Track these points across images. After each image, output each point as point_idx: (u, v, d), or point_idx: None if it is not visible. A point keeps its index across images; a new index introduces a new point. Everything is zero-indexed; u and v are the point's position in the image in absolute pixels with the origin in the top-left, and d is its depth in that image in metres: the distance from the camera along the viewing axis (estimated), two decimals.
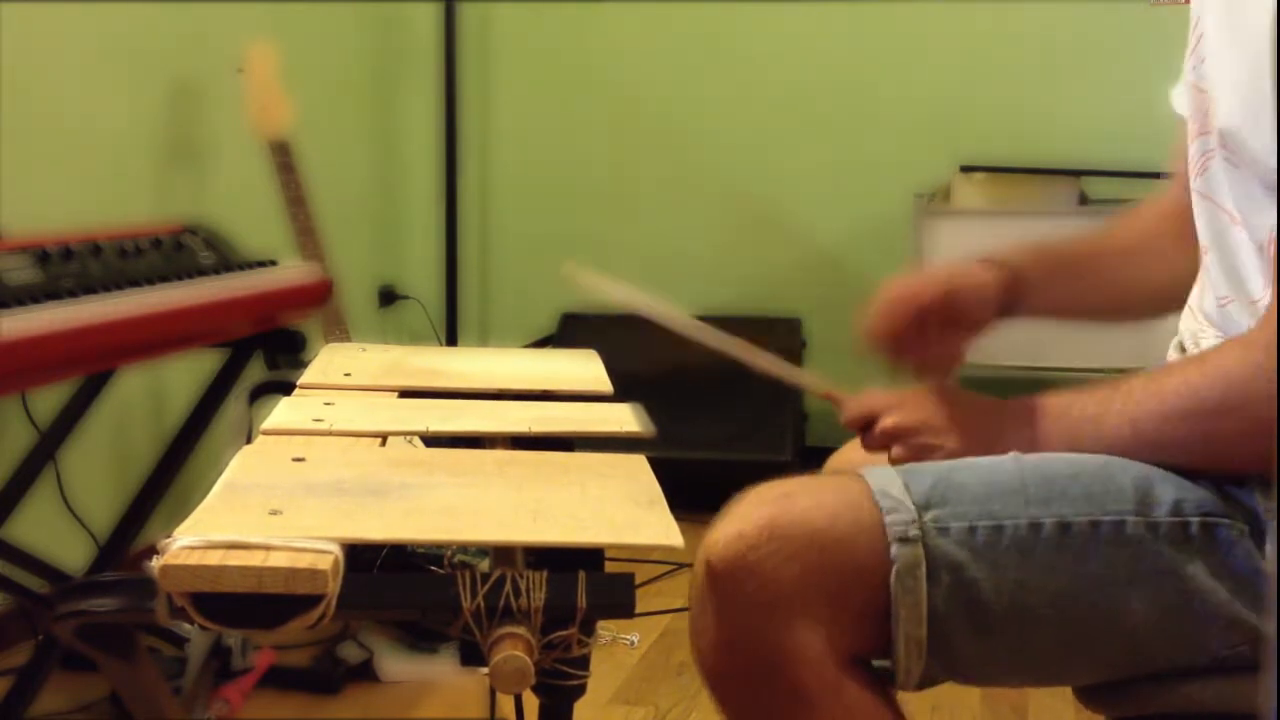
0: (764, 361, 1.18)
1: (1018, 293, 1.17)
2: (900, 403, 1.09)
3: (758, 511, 0.94)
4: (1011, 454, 1.01)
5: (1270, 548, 0.95)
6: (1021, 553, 0.94)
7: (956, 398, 1.10)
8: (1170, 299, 1.20)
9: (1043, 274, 1.19)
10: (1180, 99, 1.18)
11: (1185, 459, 0.98)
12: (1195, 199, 1.09)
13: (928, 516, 0.94)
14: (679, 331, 1.20)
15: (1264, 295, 1.01)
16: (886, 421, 1.09)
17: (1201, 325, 1.09)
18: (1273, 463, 0.93)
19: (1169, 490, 0.96)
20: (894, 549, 0.93)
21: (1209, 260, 1.07)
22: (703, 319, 1.16)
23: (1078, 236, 1.27)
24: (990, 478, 0.97)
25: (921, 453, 1.06)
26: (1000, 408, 1.08)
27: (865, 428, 1.11)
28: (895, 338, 1.15)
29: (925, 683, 0.97)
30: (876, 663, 0.97)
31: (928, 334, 1.15)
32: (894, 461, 1.08)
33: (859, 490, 0.96)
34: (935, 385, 1.12)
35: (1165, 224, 1.23)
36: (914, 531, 0.93)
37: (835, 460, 1.29)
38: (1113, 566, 0.94)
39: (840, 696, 0.94)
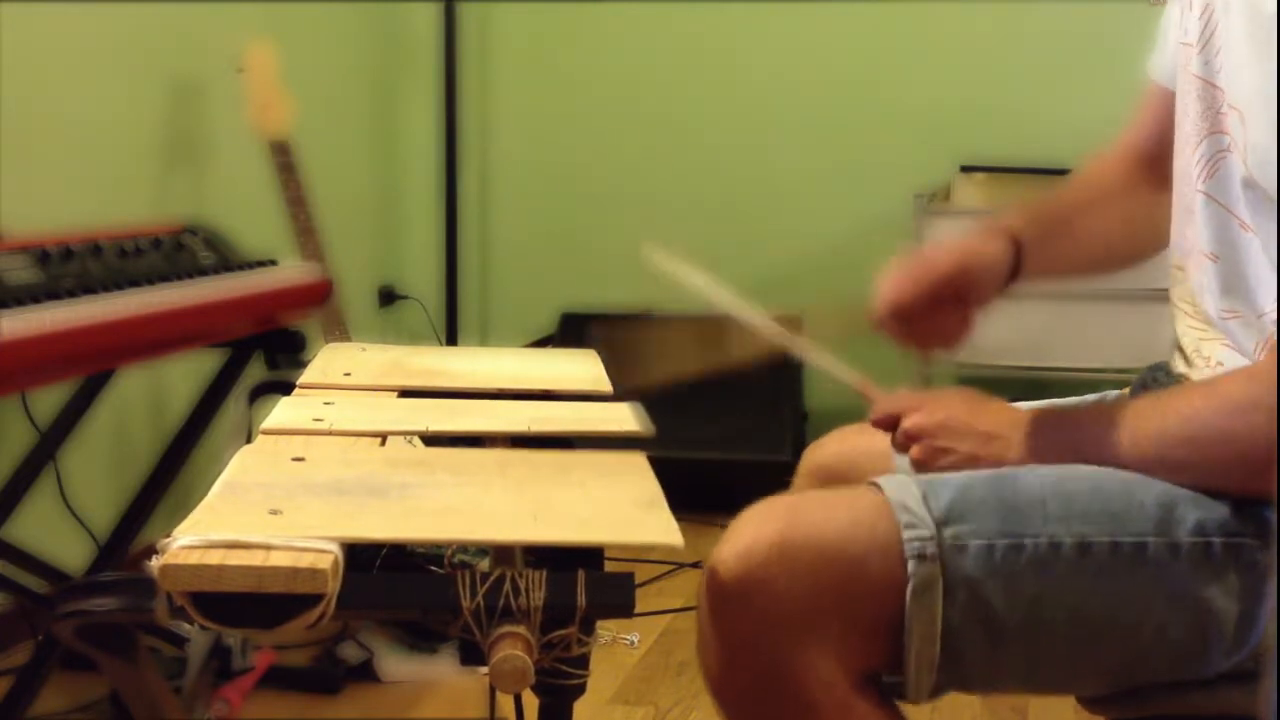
0: (814, 356, 1.19)
1: (1020, 260, 1.16)
2: (923, 404, 1.09)
3: (767, 527, 0.93)
4: (1031, 466, 1.00)
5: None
6: (1039, 572, 0.93)
7: (979, 403, 1.09)
8: (1139, 248, 1.22)
9: (1035, 236, 1.17)
10: (1163, 68, 1.19)
11: (1183, 480, 0.96)
12: (1199, 200, 1.06)
13: (947, 533, 0.93)
14: (743, 323, 1.22)
15: (1271, 310, 0.99)
16: (908, 422, 1.08)
17: (1204, 331, 1.07)
18: (1271, 489, 0.92)
19: (1192, 509, 0.95)
20: (911, 566, 0.92)
21: (1213, 268, 1.05)
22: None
23: (1059, 192, 1.26)
24: (1010, 492, 0.96)
25: (937, 455, 1.06)
26: (1017, 417, 1.07)
27: (891, 427, 1.11)
28: (905, 314, 1.14)
29: (933, 695, 0.96)
30: (885, 677, 0.97)
31: (938, 309, 1.14)
32: (913, 460, 1.08)
33: (873, 502, 0.95)
34: (962, 390, 1.12)
35: (1131, 170, 1.24)
36: (932, 549, 0.92)
37: (812, 453, 1.29)
38: (1131, 587, 0.93)
39: (852, 716, 0.94)
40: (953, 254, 1.14)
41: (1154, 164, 1.19)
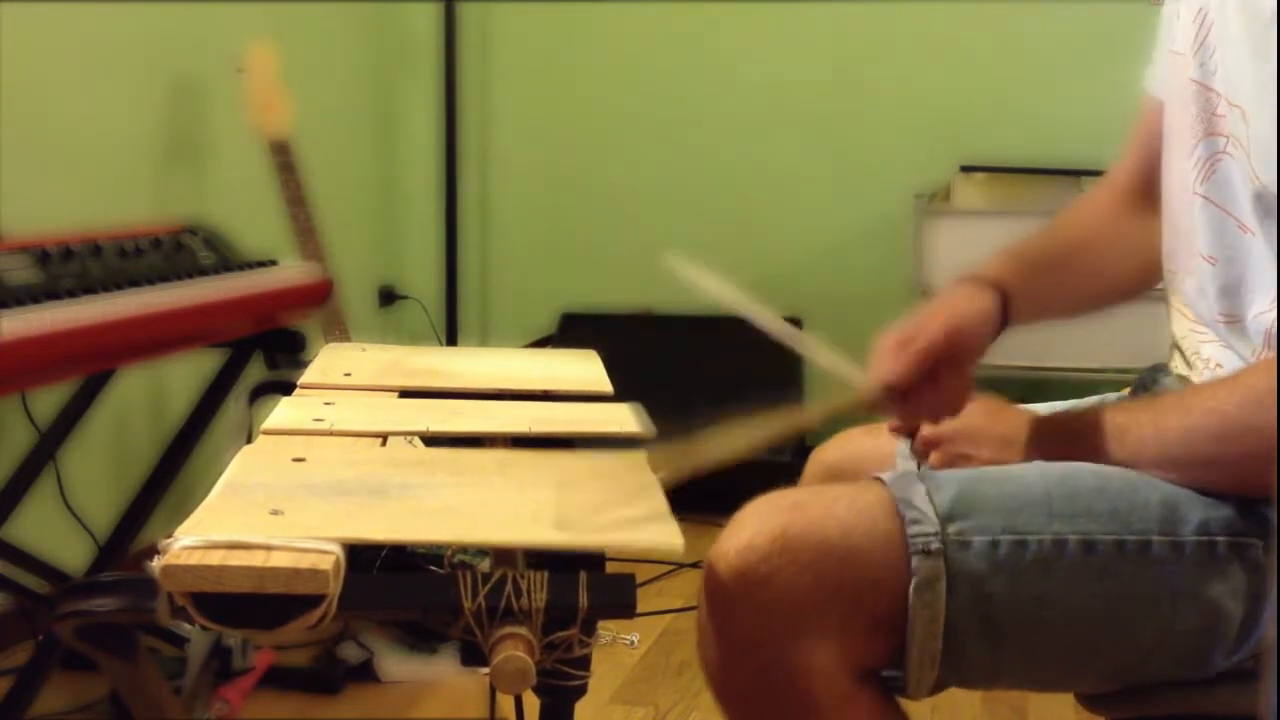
0: (832, 362, 1.15)
1: (1007, 308, 1.14)
2: None
3: (769, 522, 0.93)
4: (1036, 464, 1.00)
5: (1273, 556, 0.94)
6: (1044, 569, 0.93)
7: (996, 409, 1.10)
8: (1143, 279, 1.20)
9: (1022, 283, 1.15)
10: (1157, 79, 1.18)
11: (1208, 478, 0.96)
12: (1197, 203, 1.06)
13: (951, 529, 0.93)
14: (766, 329, 1.19)
15: (1266, 309, 0.99)
16: (927, 429, 1.10)
17: (1202, 334, 1.07)
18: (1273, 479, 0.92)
19: (1196, 508, 0.95)
20: (915, 561, 0.91)
21: (1211, 270, 1.04)
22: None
23: (1045, 234, 1.23)
24: (1014, 490, 0.96)
25: (956, 460, 1.07)
26: (1035, 423, 1.08)
27: (910, 433, 1.12)
28: (903, 393, 1.10)
29: (933, 690, 0.96)
30: (885, 673, 0.97)
31: (934, 379, 1.10)
32: (932, 466, 1.08)
33: (876, 497, 0.95)
34: (980, 397, 1.12)
35: (1128, 202, 1.22)
36: (936, 545, 0.92)
37: (819, 454, 1.29)
38: (1134, 586, 0.93)
39: (852, 710, 0.93)
40: (939, 323, 1.09)
41: (1150, 191, 1.17)
